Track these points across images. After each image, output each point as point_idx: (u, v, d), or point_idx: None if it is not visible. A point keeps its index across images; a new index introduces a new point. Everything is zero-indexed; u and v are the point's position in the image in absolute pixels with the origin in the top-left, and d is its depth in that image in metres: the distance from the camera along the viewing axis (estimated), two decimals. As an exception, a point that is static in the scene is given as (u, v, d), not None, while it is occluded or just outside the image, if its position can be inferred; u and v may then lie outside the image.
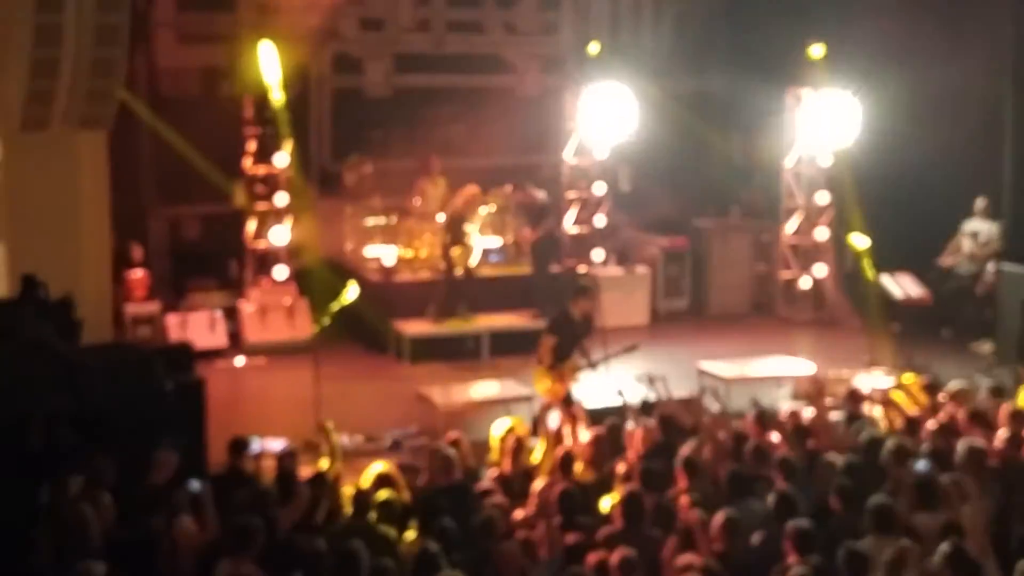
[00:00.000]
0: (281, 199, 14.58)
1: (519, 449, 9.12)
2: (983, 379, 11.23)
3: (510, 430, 9.33)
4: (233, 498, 7.80)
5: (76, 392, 8.49)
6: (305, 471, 8.81)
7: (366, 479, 8.46)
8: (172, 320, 14.07)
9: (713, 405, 10.56)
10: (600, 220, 16.38)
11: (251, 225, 14.71)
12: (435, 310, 14.40)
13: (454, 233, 14.38)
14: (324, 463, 8.87)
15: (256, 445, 9.74)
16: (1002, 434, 8.87)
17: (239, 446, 8.85)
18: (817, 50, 15.41)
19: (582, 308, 10.98)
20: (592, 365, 10.92)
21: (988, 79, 14.47)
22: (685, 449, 8.65)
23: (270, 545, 7.09)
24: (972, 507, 7.75)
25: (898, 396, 10.40)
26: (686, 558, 7.04)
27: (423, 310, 14.41)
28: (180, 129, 14.08)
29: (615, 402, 10.51)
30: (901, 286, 14.05)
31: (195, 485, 7.71)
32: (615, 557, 6.92)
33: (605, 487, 8.48)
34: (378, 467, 8.56)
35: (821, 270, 16.21)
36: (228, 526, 7.17)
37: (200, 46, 15.05)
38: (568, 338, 10.74)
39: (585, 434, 9.73)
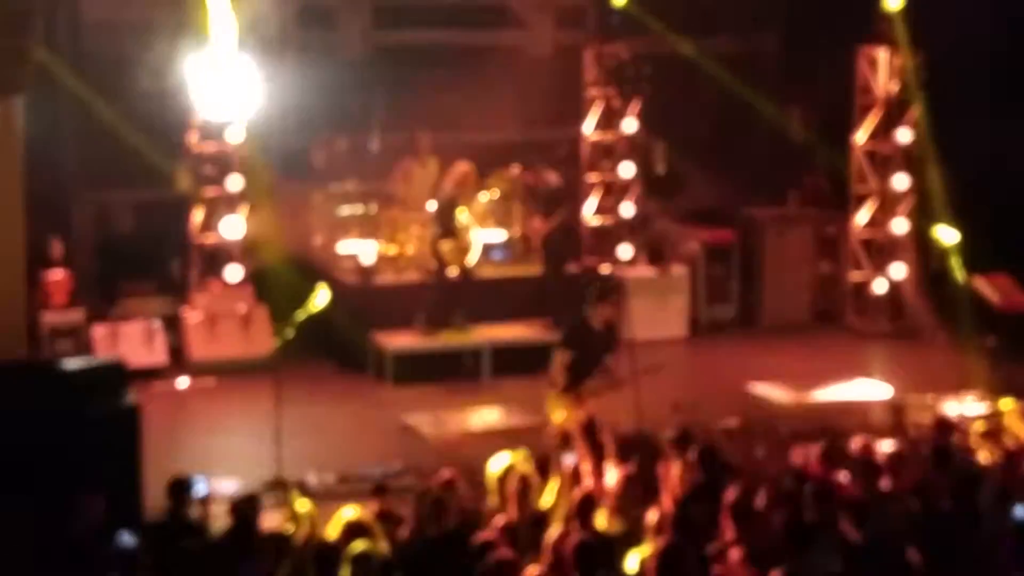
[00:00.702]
0: (234, 183, 14.57)
1: (526, 491, 9.09)
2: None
3: (510, 468, 9.30)
4: (175, 552, 7.77)
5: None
6: (268, 519, 8.80)
7: (333, 529, 8.44)
8: (100, 332, 14.07)
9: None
10: (628, 209, 16.37)
11: (197, 215, 14.70)
12: (424, 319, 14.39)
13: (446, 224, 14.37)
14: (288, 527, 8.81)
15: (203, 487, 9.72)
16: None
17: (181, 488, 8.82)
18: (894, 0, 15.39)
19: (604, 316, 10.92)
20: (616, 386, 10.87)
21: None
22: (732, 491, 8.62)
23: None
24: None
25: (995, 425, 10.36)
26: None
27: (410, 319, 14.39)
28: (111, 97, 14.07)
29: (645, 433, 10.48)
30: (998, 290, 13.99)
31: (126, 539, 7.68)
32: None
33: (633, 539, 8.44)
34: (348, 513, 8.54)
35: (899, 271, 16.18)
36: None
37: (135, -5, 15.08)
38: (587, 353, 10.68)
39: (612, 473, 9.68)
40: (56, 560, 7.60)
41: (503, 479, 9.24)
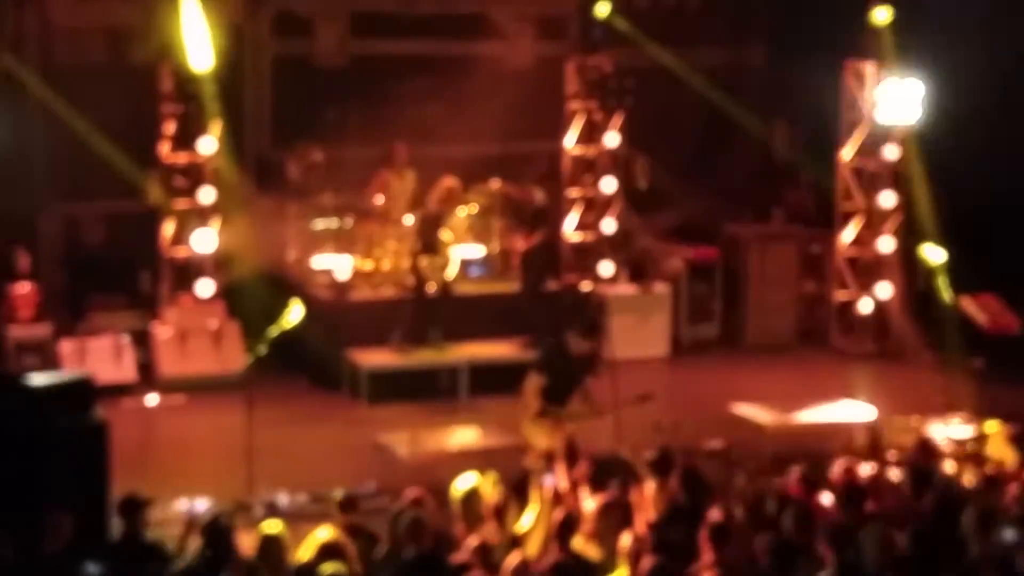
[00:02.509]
0: (207, 195, 14.60)
1: (503, 513, 9.14)
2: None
3: (474, 490, 9.33)
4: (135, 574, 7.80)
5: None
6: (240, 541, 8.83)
7: (306, 550, 8.48)
8: (67, 347, 14.07)
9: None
10: (609, 225, 16.43)
11: (168, 228, 14.73)
12: (400, 337, 14.42)
13: (426, 239, 14.40)
14: (256, 550, 8.83)
15: (198, 507, 9.70)
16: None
17: (132, 507, 8.72)
18: (882, 14, 15.49)
19: (587, 347, 10.98)
20: (596, 413, 10.91)
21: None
22: (712, 513, 8.68)
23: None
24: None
25: (980, 449, 10.45)
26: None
27: (385, 336, 14.43)
28: (80, 105, 14.09)
29: (622, 458, 10.52)
30: (986, 310, 14.09)
31: (92, 570, 7.68)
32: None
33: (610, 566, 8.49)
34: (322, 534, 8.58)
35: (885, 290, 16.26)
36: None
37: (105, 1, 15.08)
38: (563, 378, 10.73)
39: (589, 500, 9.73)
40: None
41: (466, 501, 9.29)
